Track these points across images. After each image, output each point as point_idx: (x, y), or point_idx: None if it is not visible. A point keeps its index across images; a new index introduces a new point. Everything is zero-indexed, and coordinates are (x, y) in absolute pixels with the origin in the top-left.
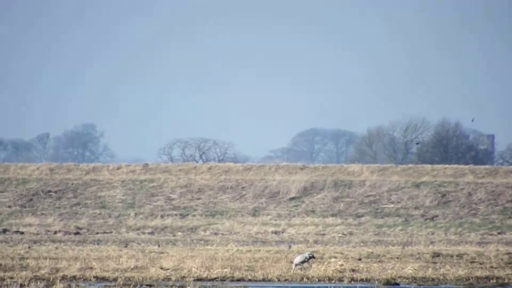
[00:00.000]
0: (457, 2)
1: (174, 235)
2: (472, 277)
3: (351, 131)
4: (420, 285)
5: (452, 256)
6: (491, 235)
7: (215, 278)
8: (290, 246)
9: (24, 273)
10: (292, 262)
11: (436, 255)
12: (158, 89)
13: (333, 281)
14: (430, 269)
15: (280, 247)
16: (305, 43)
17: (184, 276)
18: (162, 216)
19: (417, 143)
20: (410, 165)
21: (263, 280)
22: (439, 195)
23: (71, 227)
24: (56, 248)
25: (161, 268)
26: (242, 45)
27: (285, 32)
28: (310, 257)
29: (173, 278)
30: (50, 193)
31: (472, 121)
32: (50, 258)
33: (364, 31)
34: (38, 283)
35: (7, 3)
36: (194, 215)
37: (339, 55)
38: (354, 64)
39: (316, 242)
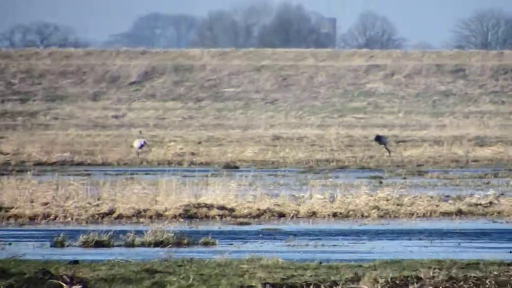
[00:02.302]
0: None
1: (14, 120)
2: (312, 160)
3: (192, 16)
4: (260, 168)
5: (292, 139)
6: (331, 118)
7: (54, 163)
8: (140, 131)
9: None
10: (132, 147)
11: (276, 138)
12: None
13: (172, 165)
14: (270, 152)
15: (120, 131)
16: None
17: (23, 161)
18: (2, 101)
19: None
20: (251, 49)
21: (103, 164)
22: (280, 78)
23: None
24: None
25: (1, 153)
26: None
27: None
28: (142, 145)
29: (13, 163)
30: None
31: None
32: None
33: None
34: None
35: None
36: (34, 100)
37: None
38: None
39: (156, 126)
